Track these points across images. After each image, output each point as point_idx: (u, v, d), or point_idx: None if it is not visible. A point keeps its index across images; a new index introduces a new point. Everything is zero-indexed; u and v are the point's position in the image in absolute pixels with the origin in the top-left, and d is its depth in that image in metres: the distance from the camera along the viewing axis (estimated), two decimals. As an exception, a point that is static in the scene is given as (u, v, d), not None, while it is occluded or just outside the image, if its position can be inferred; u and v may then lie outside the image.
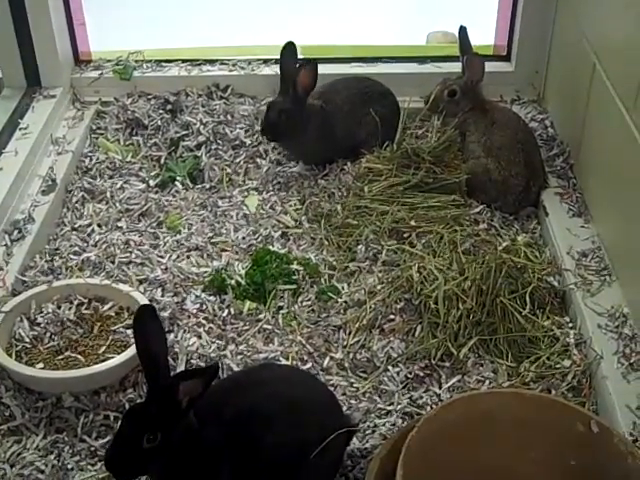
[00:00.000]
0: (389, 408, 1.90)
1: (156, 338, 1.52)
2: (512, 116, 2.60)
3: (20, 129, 2.66)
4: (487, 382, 1.95)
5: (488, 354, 2.02)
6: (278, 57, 2.55)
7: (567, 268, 2.20)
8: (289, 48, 2.54)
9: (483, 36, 2.99)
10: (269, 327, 2.09)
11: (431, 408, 1.89)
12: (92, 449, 1.81)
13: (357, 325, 2.08)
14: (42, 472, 1.76)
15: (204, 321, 2.09)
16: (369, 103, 2.65)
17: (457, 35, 2.63)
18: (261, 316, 2.12)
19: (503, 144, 2.49)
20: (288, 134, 2.55)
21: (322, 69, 2.90)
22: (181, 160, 2.66)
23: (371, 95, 2.68)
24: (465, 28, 2.61)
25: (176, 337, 2.04)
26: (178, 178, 2.59)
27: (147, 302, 2.05)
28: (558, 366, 1.98)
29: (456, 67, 2.66)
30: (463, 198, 2.47)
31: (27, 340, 1.99)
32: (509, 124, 2.53)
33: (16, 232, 2.31)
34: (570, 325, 2.10)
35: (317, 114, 2.58)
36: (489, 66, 2.68)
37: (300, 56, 2.97)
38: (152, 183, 2.58)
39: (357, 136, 2.65)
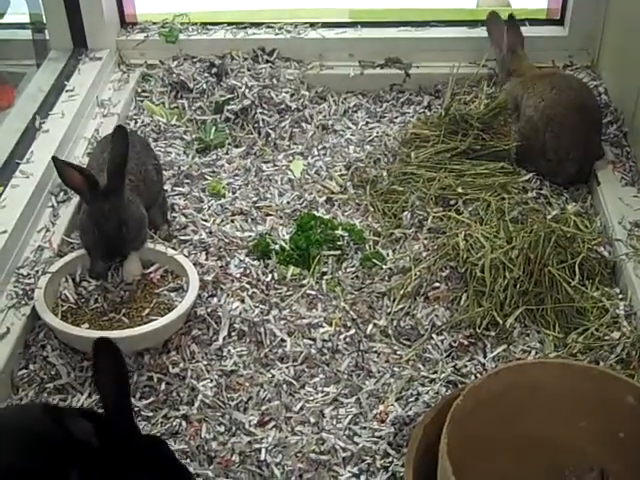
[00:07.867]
0: (433, 376, 1.88)
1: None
2: (574, 84, 2.46)
3: (66, 91, 2.66)
4: (533, 352, 1.92)
5: (535, 324, 1.98)
6: (325, 20, 2.49)
7: (618, 238, 2.15)
8: None
9: (536, -1, 2.92)
10: (313, 293, 2.08)
11: (475, 377, 1.86)
12: (136, 409, 1.82)
13: (401, 292, 2.06)
14: (86, 431, 1.78)
15: (247, 285, 2.08)
16: None
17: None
18: (305, 281, 2.11)
19: (563, 122, 2.36)
20: None
21: (369, 33, 2.90)
22: (218, 130, 2.63)
23: None
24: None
25: (219, 301, 2.03)
26: (221, 142, 2.58)
27: (191, 265, 2.05)
28: (607, 338, 1.93)
29: (507, 32, 2.60)
30: (512, 166, 2.42)
31: (72, 301, 2.01)
32: (567, 93, 2.40)
33: (62, 194, 2.32)
34: (620, 296, 2.05)
35: None
36: (542, 30, 2.62)
37: (347, 20, 2.94)
38: (196, 147, 2.57)
39: None
